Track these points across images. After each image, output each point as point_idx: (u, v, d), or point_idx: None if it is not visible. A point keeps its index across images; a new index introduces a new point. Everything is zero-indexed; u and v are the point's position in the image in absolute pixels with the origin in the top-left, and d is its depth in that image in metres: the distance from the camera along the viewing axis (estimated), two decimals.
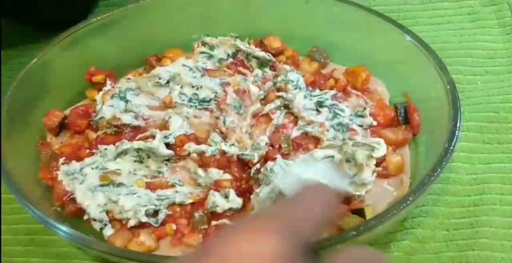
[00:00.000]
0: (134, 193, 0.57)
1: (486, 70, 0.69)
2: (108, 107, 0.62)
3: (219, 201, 0.54)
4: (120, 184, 0.58)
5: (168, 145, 0.59)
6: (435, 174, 0.49)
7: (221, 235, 0.27)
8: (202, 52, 0.69)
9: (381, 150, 0.57)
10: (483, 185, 0.59)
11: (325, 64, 0.69)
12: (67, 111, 0.65)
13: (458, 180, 0.59)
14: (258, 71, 0.67)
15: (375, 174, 0.57)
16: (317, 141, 0.60)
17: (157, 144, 0.58)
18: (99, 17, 0.66)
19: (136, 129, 0.61)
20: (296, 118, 0.62)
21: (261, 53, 0.67)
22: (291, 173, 0.51)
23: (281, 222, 0.27)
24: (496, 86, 0.67)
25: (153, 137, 0.59)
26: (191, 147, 0.58)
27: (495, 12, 0.74)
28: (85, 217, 0.56)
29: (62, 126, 0.63)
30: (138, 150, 0.58)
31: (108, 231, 0.55)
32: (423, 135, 0.60)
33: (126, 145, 0.58)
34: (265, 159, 0.58)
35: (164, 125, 0.62)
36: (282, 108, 0.63)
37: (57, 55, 0.64)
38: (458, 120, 0.53)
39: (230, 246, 0.25)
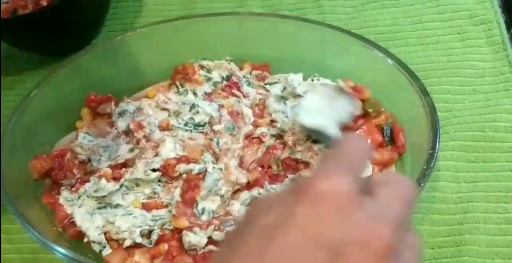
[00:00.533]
0: (130, 214, 0.60)
1: (474, 89, 0.70)
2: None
3: (194, 239, 0.56)
4: (117, 205, 0.61)
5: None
6: None
7: (305, 180, 0.32)
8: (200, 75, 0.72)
9: (367, 170, 0.59)
10: (468, 203, 0.60)
11: None
12: (62, 141, 0.67)
13: (443, 198, 0.61)
14: (250, 91, 0.70)
15: None
16: (306, 163, 0.63)
17: (142, 174, 0.61)
18: (99, 45, 0.70)
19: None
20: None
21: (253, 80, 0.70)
22: (307, 109, 0.60)
23: (344, 166, 0.33)
24: (483, 105, 0.68)
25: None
26: (181, 167, 0.61)
27: (484, 31, 0.76)
28: (85, 240, 0.58)
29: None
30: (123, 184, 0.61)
31: (107, 253, 0.57)
32: (409, 154, 0.61)
33: (106, 188, 0.60)
34: (254, 182, 0.60)
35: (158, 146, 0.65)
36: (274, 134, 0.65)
37: (58, 82, 0.67)
38: (437, 143, 0.54)
39: (313, 187, 0.31)
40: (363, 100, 0.64)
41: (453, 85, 0.71)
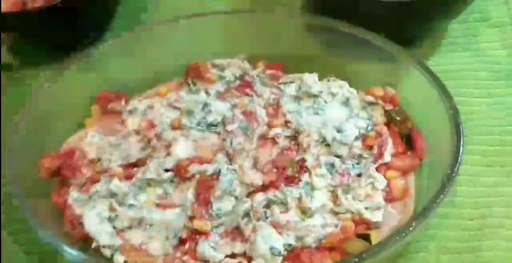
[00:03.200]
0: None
1: (490, 92, 0.70)
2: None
3: (208, 253, 0.55)
4: (130, 206, 0.59)
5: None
6: (437, 201, 0.50)
7: None
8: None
9: (382, 182, 0.59)
10: (487, 208, 0.60)
11: None
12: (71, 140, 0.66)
13: (461, 203, 0.60)
14: (264, 90, 0.68)
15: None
16: None
17: (155, 174, 0.59)
18: (110, 40, 0.68)
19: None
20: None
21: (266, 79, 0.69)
22: None
23: None
24: (500, 109, 0.68)
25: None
26: (194, 168, 0.59)
27: (499, 33, 0.75)
28: (93, 245, 0.56)
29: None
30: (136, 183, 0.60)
31: (119, 258, 0.56)
32: (427, 158, 0.60)
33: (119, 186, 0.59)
34: (269, 184, 0.59)
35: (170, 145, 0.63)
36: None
37: (67, 79, 0.65)
38: (461, 147, 0.53)
39: None
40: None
41: (469, 88, 0.70)
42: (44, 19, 0.65)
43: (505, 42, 0.74)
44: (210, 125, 0.65)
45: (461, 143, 0.54)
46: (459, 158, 0.53)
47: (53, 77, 0.65)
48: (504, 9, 0.77)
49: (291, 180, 0.60)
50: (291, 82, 0.69)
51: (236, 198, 0.59)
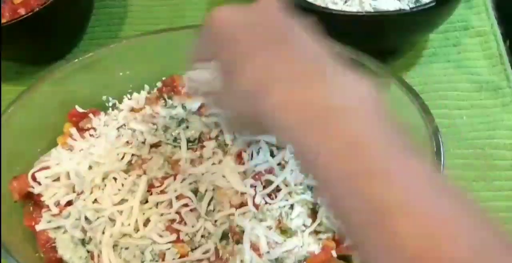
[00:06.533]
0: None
1: (472, 104, 0.69)
2: None
3: None
4: None
5: None
6: None
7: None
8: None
9: None
10: None
11: None
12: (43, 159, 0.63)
13: None
14: None
15: None
16: None
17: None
18: (81, 58, 0.65)
19: None
20: None
21: None
22: None
23: None
24: (482, 121, 0.67)
25: None
26: (170, 185, 0.58)
27: (481, 43, 0.74)
28: None
29: None
30: None
31: None
32: None
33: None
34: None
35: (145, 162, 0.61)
36: None
37: (37, 97, 0.63)
38: (442, 168, 0.52)
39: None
40: None
41: (450, 99, 0.69)
42: (11, 35, 0.63)
43: (486, 52, 0.73)
44: (187, 141, 0.63)
45: (442, 163, 0.53)
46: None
47: (23, 94, 0.62)
48: (485, 17, 0.76)
49: (270, 198, 0.59)
50: None
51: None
